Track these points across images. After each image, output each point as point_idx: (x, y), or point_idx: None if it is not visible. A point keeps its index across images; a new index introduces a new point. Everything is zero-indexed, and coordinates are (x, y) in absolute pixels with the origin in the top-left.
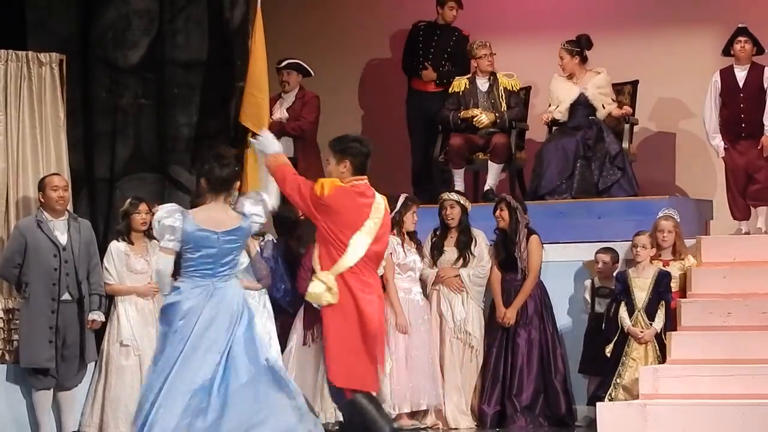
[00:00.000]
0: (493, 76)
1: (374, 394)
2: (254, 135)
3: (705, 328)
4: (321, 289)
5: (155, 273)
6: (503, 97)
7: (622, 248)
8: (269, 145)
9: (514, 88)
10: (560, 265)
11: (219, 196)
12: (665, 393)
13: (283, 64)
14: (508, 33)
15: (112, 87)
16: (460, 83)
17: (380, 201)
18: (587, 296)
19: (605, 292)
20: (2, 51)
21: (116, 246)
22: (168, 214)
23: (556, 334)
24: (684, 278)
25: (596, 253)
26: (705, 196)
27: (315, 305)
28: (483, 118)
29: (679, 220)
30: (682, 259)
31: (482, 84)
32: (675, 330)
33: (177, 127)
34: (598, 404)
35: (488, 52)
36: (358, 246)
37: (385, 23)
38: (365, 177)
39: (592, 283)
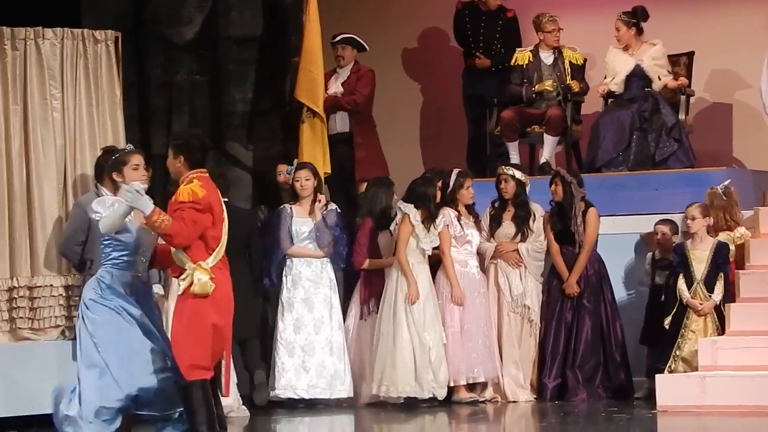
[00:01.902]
0: (557, 49)
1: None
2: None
3: (763, 299)
4: (206, 278)
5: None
6: (568, 71)
7: (679, 220)
8: (143, 204)
9: (578, 62)
10: (617, 237)
11: None
12: (724, 364)
13: (338, 38)
14: (563, 4)
15: (167, 64)
16: (523, 56)
17: None
18: (647, 268)
19: (665, 263)
20: (58, 29)
21: None
22: None
23: (615, 306)
24: (741, 249)
25: (655, 224)
26: (762, 167)
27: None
28: (548, 86)
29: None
30: (731, 229)
31: (546, 57)
32: (733, 302)
33: (232, 103)
34: (657, 376)
35: (556, 27)
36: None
37: None
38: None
39: (653, 255)
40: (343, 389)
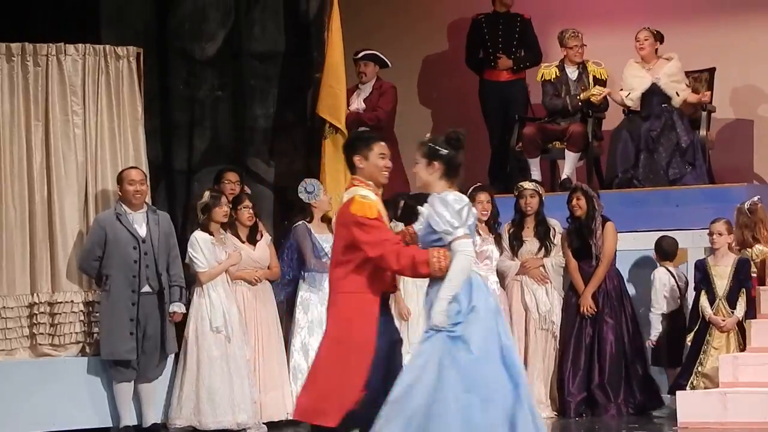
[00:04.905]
0: (582, 64)
1: None
2: (331, 126)
3: None
4: None
5: (461, 270)
6: (592, 85)
7: (701, 236)
8: None
9: (603, 77)
10: (638, 253)
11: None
12: (745, 381)
13: (360, 55)
14: (580, 19)
15: (189, 79)
16: (550, 71)
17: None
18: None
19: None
20: (80, 45)
21: (201, 235)
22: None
23: (636, 321)
24: (762, 266)
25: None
26: None
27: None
28: (594, 90)
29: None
30: (751, 247)
31: (571, 72)
32: (754, 318)
33: (254, 119)
34: (678, 393)
35: (579, 44)
36: None
37: (462, 9)
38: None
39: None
40: None
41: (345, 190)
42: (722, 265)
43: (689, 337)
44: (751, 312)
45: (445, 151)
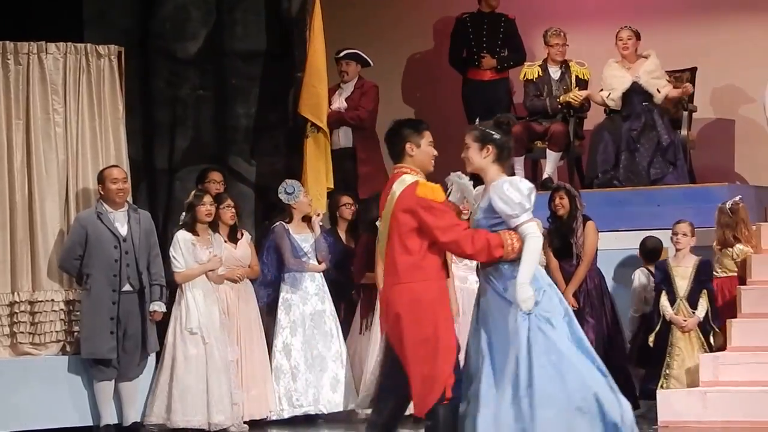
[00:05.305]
0: (565, 64)
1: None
2: (313, 125)
3: (765, 315)
4: None
5: (536, 251)
6: (574, 85)
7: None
8: None
9: (586, 77)
10: (619, 253)
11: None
12: (725, 380)
13: (342, 54)
14: (564, 19)
15: (171, 78)
16: (533, 71)
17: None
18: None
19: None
20: (61, 44)
21: (183, 235)
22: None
23: (617, 320)
24: (743, 265)
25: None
26: (765, 183)
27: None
28: (572, 95)
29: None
30: (732, 246)
31: (554, 72)
32: (734, 317)
33: (236, 118)
34: (659, 392)
35: (561, 42)
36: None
37: (446, 8)
38: (394, 165)
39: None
40: (345, 402)
41: (393, 182)
42: (683, 265)
43: (651, 338)
44: (714, 312)
45: (497, 136)
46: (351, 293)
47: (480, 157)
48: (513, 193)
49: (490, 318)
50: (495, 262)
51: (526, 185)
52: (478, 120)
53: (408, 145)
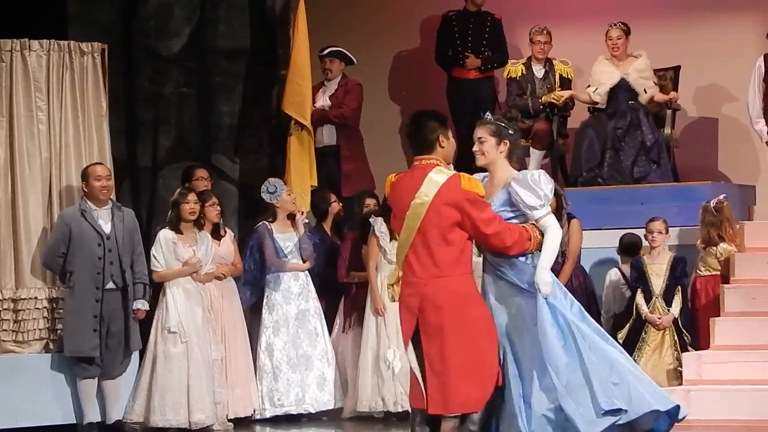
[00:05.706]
0: (548, 62)
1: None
2: (297, 123)
3: (748, 313)
4: None
5: (557, 240)
6: (558, 83)
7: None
8: None
9: (569, 76)
10: (604, 251)
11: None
12: (709, 379)
13: (326, 51)
14: (550, 18)
15: (155, 76)
16: (516, 69)
17: None
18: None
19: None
20: (44, 41)
21: (164, 234)
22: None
23: (601, 318)
24: (726, 264)
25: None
26: (748, 182)
27: None
28: (554, 95)
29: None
30: (716, 245)
31: (538, 70)
32: (718, 316)
33: (219, 116)
34: None
35: (544, 40)
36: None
37: (433, 7)
38: (419, 157)
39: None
40: (333, 401)
41: (424, 174)
42: (658, 263)
43: (620, 335)
44: (687, 309)
45: (512, 131)
46: (340, 291)
47: (496, 152)
48: (544, 185)
49: (505, 307)
50: (511, 255)
51: (549, 180)
52: (488, 114)
53: (442, 137)
